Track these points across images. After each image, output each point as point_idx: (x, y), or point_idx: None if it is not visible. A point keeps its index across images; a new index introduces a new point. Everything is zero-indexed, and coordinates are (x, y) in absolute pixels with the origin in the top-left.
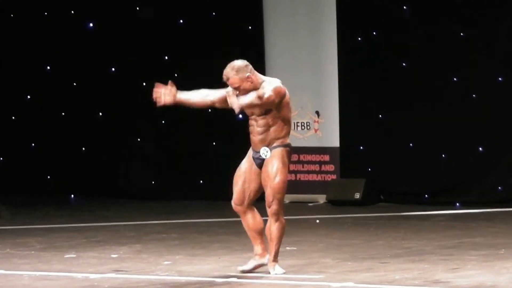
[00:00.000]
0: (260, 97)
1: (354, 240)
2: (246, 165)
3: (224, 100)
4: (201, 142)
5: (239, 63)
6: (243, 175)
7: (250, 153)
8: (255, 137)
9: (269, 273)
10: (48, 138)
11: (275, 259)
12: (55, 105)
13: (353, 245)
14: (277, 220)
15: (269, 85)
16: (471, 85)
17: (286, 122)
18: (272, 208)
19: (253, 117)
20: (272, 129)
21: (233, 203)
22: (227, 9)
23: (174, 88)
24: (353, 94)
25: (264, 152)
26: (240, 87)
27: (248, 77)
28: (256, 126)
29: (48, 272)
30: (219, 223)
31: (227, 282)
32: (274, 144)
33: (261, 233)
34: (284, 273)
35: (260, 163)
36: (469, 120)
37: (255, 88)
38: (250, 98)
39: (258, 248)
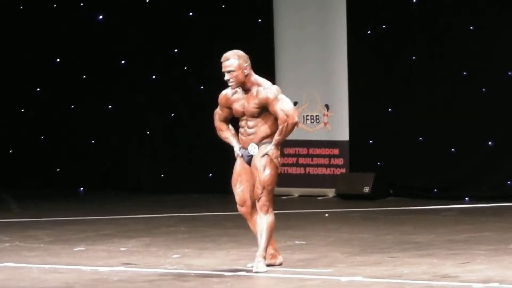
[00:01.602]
0: (286, 123)
1: (363, 234)
2: (239, 165)
3: (230, 110)
4: (210, 135)
5: (242, 52)
6: (239, 176)
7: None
8: (245, 137)
9: (252, 267)
10: (58, 130)
11: (264, 253)
12: (64, 98)
13: (362, 239)
14: (266, 212)
15: (282, 103)
16: (481, 79)
17: (275, 120)
18: (261, 199)
19: (243, 118)
20: (262, 128)
21: (237, 205)
22: (237, 3)
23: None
24: (363, 87)
25: (252, 148)
26: (234, 73)
27: (246, 67)
28: (247, 127)
29: (57, 265)
30: (228, 216)
31: (236, 275)
32: (263, 141)
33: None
34: (266, 271)
35: (249, 159)
36: (479, 114)
37: (248, 85)
38: (279, 130)
39: (269, 248)
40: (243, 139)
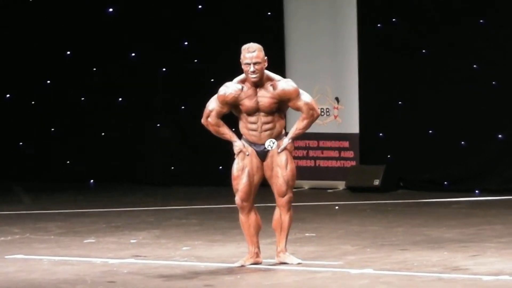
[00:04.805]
0: (312, 117)
1: (374, 227)
2: (246, 160)
3: (230, 107)
4: None
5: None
6: (245, 170)
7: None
8: (260, 133)
9: (286, 263)
10: (68, 123)
11: (286, 248)
12: (74, 90)
13: (372, 232)
14: (289, 209)
15: (304, 96)
16: (492, 72)
17: (285, 114)
18: (287, 196)
19: (255, 114)
20: (278, 123)
21: (239, 199)
22: None
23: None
24: (373, 80)
25: (270, 143)
26: (260, 65)
27: (266, 59)
28: (263, 123)
29: (68, 257)
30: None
31: (246, 268)
32: (279, 136)
33: (259, 232)
34: (300, 263)
35: (264, 156)
36: (490, 107)
37: (262, 79)
38: (304, 124)
39: (254, 247)
40: (256, 135)
